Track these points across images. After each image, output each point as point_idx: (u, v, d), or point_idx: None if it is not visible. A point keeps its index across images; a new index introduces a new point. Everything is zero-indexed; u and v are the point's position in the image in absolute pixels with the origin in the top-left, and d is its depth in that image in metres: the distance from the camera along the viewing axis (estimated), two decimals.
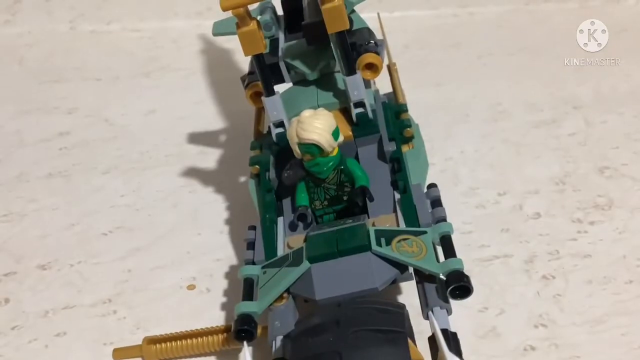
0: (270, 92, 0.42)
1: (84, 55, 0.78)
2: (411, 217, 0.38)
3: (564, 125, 0.61)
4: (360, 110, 0.41)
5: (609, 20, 0.78)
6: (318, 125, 0.37)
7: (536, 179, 0.54)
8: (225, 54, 0.76)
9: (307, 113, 0.37)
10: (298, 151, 0.38)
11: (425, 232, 0.36)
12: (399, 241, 0.35)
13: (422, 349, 0.33)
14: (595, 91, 0.65)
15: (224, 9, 0.37)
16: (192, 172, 0.57)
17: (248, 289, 0.37)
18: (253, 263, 0.39)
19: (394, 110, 0.45)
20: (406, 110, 0.45)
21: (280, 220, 0.41)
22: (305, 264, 0.35)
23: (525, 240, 0.49)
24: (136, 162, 0.59)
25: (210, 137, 0.62)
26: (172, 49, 0.79)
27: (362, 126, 0.42)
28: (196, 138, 0.62)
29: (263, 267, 0.37)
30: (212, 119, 0.65)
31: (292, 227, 0.40)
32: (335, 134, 0.37)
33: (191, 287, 0.46)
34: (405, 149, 0.43)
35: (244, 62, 0.74)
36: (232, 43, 0.77)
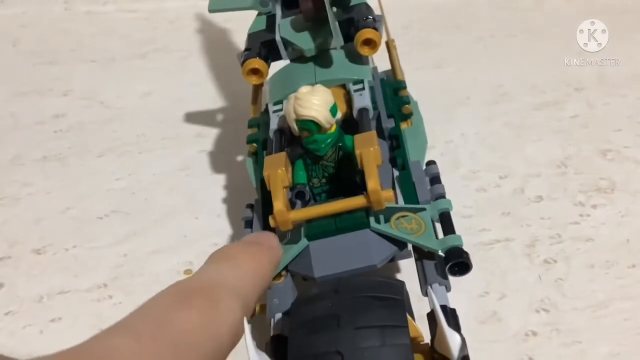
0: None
1: (79, 36, 0.77)
2: (410, 194, 0.37)
3: (566, 107, 0.60)
4: (358, 86, 0.40)
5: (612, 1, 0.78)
6: (315, 102, 0.35)
7: (538, 162, 0.54)
8: (222, 35, 0.75)
9: (304, 89, 0.37)
10: (295, 128, 0.37)
11: (424, 209, 0.35)
12: (397, 218, 0.35)
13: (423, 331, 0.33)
14: (598, 73, 0.65)
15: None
16: (189, 155, 0.57)
17: None
18: None
19: (393, 87, 0.44)
20: (405, 87, 0.44)
21: None
22: (304, 242, 0.34)
23: (526, 224, 0.48)
24: (132, 144, 0.58)
25: (208, 119, 0.61)
26: (168, 29, 0.78)
27: None
28: (193, 120, 0.61)
29: None
30: (209, 101, 0.64)
31: (290, 205, 0.38)
32: (333, 110, 0.36)
33: (188, 272, 0.45)
34: (404, 126, 0.43)
35: (241, 43, 0.73)
36: (229, 24, 0.76)
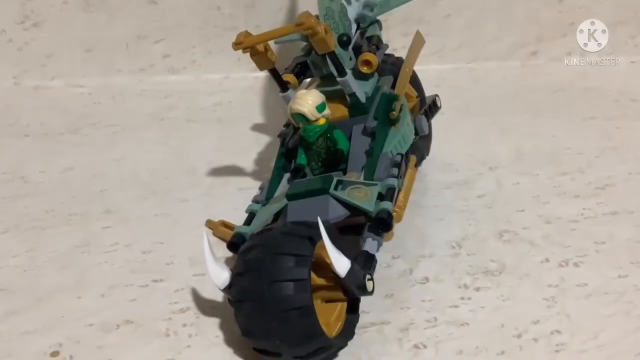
0: (284, 89, 0.52)
1: (21, 111, 0.79)
2: (370, 174, 0.47)
3: (475, 186, 0.60)
4: (354, 98, 0.51)
5: (550, 79, 0.79)
6: (305, 100, 0.47)
7: (433, 242, 0.53)
8: (159, 109, 0.77)
9: (302, 92, 0.48)
10: (293, 120, 0.49)
11: (375, 185, 0.46)
12: (352, 189, 0.45)
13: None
14: (516, 151, 0.65)
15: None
16: (93, 232, 0.57)
17: (249, 219, 0.48)
18: (257, 202, 0.50)
19: (388, 98, 0.52)
20: (397, 99, 0.52)
21: (285, 175, 0.51)
22: (284, 201, 0.46)
23: (406, 307, 0.48)
24: (39, 220, 0.59)
25: (119, 195, 0.62)
26: (108, 105, 0.79)
27: (356, 109, 0.52)
28: (106, 196, 0.62)
29: (262, 204, 0.49)
30: (127, 176, 0.65)
31: (290, 181, 0.50)
32: (320, 107, 0.48)
33: (54, 354, 0.45)
34: (393, 129, 0.51)
35: (182, 117, 0.74)
36: (169, 99, 0.78)
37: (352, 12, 0.56)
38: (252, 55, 0.49)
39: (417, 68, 0.58)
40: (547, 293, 0.48)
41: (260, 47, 0.49)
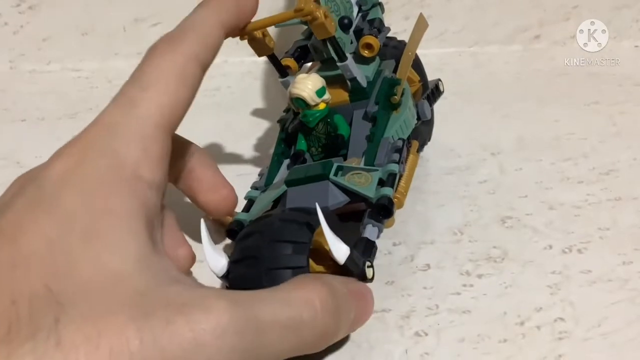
0: (284, 75, 0.52)
1: (18, 95, 0.78)
2: (370, 160, 0.47)
3: (477, 172, 0.59)
4: (355, 83, 0.50)
5: (553, 63, 0.78)
6: (305, 84, 0.47)
7: (435, 229, 0.53)
8: None
9: (301, 76, 0.47)
10: (293, 105, 0.48)
11: (376, 170, 0.45)
12: (352, 174, 0.45)
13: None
14: (519, 136, 0.64)
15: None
16: None
17: (248, 205, 0.48)
18: (256, 189, 0.50)
19: (389, 82, 0.51)
20: (399, 83, 0.51)
21: (285, 161, 0.51)
22: (283, 187, 0.46)
23: (407, 294, 0.47)
24: None
25: None
26: (106, 89, 0.78)
27: (356, 93, 0.51)
28: None
29: (261, 190, 0.49)
30: None
31: (290, 167, 0.50)
32: (320, 92, 0.47)
33: None
34: (394, 114, 0.50)
35: None
36: None
37: None
38: (250, 42, 0.49)
39: (418, 52, 0.57)
40: (550, 280, 0.47)
41: (259, 34, 0.48)
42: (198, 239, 0.46)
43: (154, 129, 0.38)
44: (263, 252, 0.40)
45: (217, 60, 0.79)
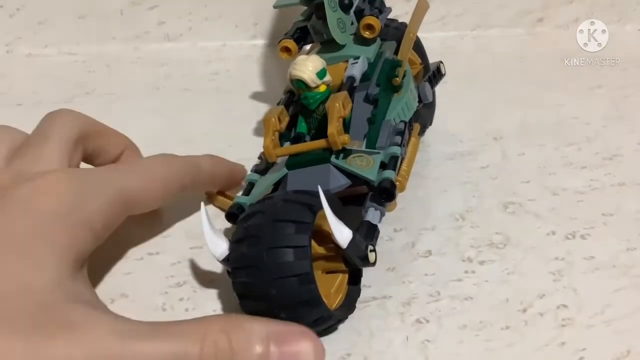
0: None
1: (14, 79, 0.77)
2: (371, 142, 0.46)
3: (479, 157, 0.59)
4: (354, 61, 0.50)
5: (556, 47, 0.77)
6: (305, 65, 0.46)
7: (436, 215, 0.52)
8: (155, 78, 0.75)
9: (302, 57, 0.46)
10: (293, 87, 0.48)
11: (378, 153, 0.45)
12: (353, 157, 0.44)
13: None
14: (521, 120, 0.63)
15: None
16: None
17: (248, 189, 0.48)
18: (256, 172, 0.49)
19: (391, 64, 0.51)
20: (400, 65, 0.50)
21: (285, 144, 0.49)
22: (284, 170, 0.45)
23: (408, 281, 0.46)
24: None
25: None
26: (103, 73, 0.77)
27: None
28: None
29: (261, 174, 0.48)
30: None
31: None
32: (320, 73, 0.46)
33: None
34: (396, 96, 0.50)
35: (175, 86, 0.73)
36: (165, 67, 0.76)
37: None
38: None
39: (420, 36, 0.56)
40: (553, 266, 0.47)
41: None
42: (197, 224, 0.45)
43: None
44: (265, 231, 0.39)
45: (216, 44, 0.80)
